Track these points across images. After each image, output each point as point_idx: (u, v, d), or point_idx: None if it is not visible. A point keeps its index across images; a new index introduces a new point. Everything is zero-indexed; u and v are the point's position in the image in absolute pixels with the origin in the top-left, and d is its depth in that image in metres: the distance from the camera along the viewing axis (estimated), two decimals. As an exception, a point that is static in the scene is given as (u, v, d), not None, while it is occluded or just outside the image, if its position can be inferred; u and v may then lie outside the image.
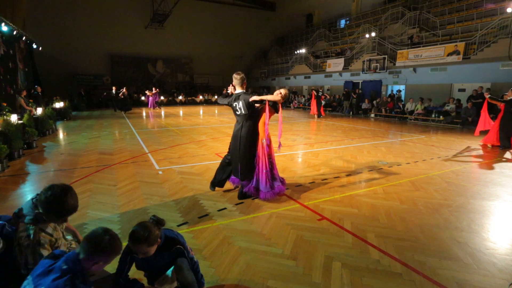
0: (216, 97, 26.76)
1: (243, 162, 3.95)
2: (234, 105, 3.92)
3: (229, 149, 4.20)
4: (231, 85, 4.18)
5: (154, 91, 20.10)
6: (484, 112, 8.38)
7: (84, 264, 1.51)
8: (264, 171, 3.95)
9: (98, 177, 5.09)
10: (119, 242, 1.61)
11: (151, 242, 1.80)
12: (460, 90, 13.67)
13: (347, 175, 5.23)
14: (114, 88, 18.17)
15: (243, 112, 3.88)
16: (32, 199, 1.97)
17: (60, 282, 1.41)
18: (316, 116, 15.03)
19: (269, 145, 4.01)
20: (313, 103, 15.05)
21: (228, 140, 8.79)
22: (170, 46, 26.90)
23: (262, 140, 3.95)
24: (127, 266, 1.92)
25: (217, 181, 4.28)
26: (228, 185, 4.38)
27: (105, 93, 21.64)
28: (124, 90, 17.64)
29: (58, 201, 1.78)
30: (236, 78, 3.92)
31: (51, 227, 1.91)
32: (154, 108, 20.06)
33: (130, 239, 1.79)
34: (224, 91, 4.24)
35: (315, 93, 14.93)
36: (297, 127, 11.86)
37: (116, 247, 1.59)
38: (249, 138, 3.91)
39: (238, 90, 3.96)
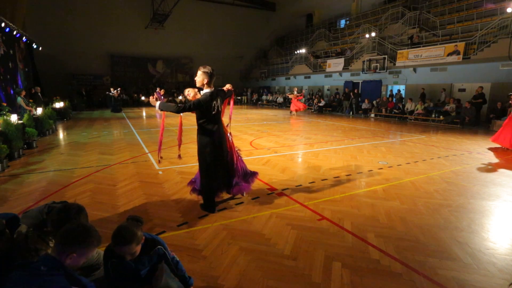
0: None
1: (235, 166, 3.77)
2: (213, 104, 3.40)
3: (211, 165, 3.52)
4: (189, 89, 3.92)
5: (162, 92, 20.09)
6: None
7: (60, 259, 1.44)
8: (240, 165, 3.93)
9: (98, 177, 5.09)
10: (95, 234, 1.54)
11: (138, 240, 1.76)
12: (460, 90, 13.68)
13: (347, 175, 5.23)
14: (112, 89, 18.38)
15: (219, 110, 3.51)
16: (46, 206, 1.98)
17: (57, 281, 1.36)
18: (295, 112, 16.61)
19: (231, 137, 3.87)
20: (296, 102, 16.60)
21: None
22: (170, 46, 26.89)
23: (228, 134, 3.78)
24: (110, 272, 1.86)
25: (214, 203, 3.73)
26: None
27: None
28: (115, 91, 17.84)
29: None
30: (206, 73, 3.33)
31: (49, 237, 1.92)
32: None
33: (117, 243, 1.71)
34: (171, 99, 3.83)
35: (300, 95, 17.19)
36: (297, 127, 11.87)
37: (90, 238, 1.50)
38: (225, 137, 3.62)
39: (209, 88, 3.41)
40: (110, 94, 18.15)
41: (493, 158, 6.65)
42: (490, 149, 7.64)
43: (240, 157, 4.03)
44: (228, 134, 3.80)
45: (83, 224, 1.55)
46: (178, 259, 2.07)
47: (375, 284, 2.36)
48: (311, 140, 8.73)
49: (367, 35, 18.04)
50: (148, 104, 22.59)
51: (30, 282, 1.35)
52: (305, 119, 15.01)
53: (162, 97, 3.39)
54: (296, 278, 2.43)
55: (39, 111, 9.58)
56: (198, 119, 3.50)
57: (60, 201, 2.18)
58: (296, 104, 16.38)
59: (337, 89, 20.06)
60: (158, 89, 18.07)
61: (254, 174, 4.09)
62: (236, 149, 3.97)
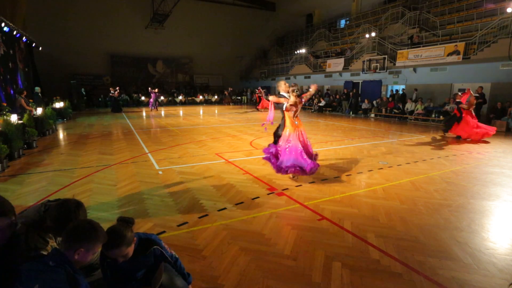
0: (216, 97, 26.85)
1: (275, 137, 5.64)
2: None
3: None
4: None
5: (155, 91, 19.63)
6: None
7: (68, 255, 1.48)
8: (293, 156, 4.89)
9: (98, 177, 5.08)
10: (101, 230, 1.57)
11: (128, 242, 1.71)
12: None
13: (347, 175, 5.24)
14: (111, 89, 18.37)
15: (282, 109, 5.23)
16: (42, 204, 1.97)
17: (56, 278, 1.39)
18: (262, 109, 18.81)
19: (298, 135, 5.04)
20: (264, 100, 18.87)
21: (228, 140, 8.77)
22: (170, 46, 26.91)
23: (286, 130, 5.08)
24: (107, 272, 1.83)
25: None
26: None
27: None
28: (115, 91, 17.81)
29: (69, 218, 1.77)
30: (279, 85, 5.57)
31: (48, 235, 1.91)
32: (155, 109, 19.58)
33: (106, 248, 1.68)
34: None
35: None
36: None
37: (97, 233, 1.54)
38: (280, 126, 5.52)
39: (282, 93, 5.42)
40: (110, 94, 18.17)
41: (492, 158, 6.64)
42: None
43: (300, 150, 4.89)
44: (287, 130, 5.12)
45: (88, 220, 1.57)
46: (177, 256, 2.04)
47: (375, 284, 2.36)
48: (311, 140, 8.70)
49: (367, 35, 18.02)
50: (148, 104, 22.54)
51: (36, 277, 1.40)
52: (305, 119, 15.00)
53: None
54: (296, 278, 2.43)
55: (39, 111, 9.57)
56: None
57: (55, 199, 2.16)
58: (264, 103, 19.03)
59: (328, 89, 20.37)
60: (151, 90, 18.16)
61: (292, 167, 4.81)
62: (299, 147, 4.93)
